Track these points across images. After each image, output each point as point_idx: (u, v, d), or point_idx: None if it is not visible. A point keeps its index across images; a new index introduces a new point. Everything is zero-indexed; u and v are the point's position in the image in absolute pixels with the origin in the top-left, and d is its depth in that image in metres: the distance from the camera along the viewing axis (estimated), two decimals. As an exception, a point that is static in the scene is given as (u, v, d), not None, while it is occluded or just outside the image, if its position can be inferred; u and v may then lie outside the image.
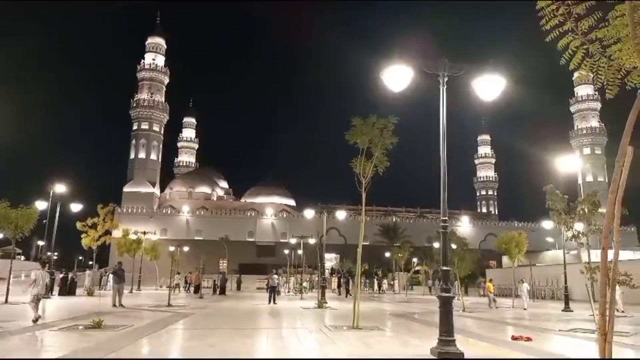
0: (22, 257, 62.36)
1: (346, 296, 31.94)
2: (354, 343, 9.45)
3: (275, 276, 23.85)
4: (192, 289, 36.09)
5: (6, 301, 18.93)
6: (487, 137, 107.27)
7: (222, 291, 31.41)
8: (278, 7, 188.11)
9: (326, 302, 21.32)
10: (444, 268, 8.28)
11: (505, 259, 47.74)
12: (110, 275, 36.88)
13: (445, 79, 8.89)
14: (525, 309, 22.78)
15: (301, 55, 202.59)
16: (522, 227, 61.38)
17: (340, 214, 27.09)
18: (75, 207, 24.64)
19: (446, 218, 8.51)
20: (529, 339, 10.37)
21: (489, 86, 8.68)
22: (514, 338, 10.59)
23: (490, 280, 25.86)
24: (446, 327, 7.95)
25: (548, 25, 4.27)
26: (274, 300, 22.60)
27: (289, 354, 8.46)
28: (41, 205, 23.76)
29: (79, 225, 27.08)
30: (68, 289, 26.39)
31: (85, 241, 27.35)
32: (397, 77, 8.57)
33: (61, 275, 26.39)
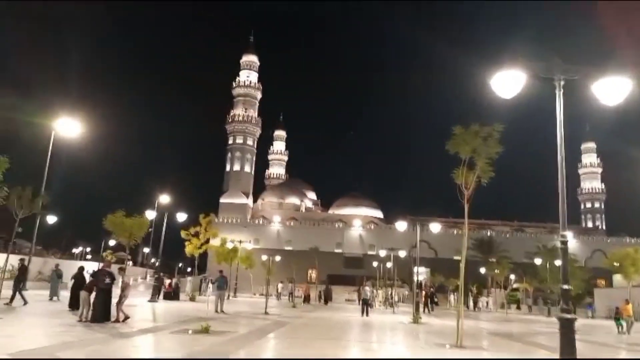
0: (131, 263, 67.89)
1: (429, 311, 30.61)
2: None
3: (368, 289, 23.62)
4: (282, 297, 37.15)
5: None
6: (592, 145, 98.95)
7: (326, 301, 33.15)
8: (370, 12, 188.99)
9: (421, 318, 20.73)
10: (565, 287, 7.63)
11: (616, 278, 43.57)
12: (210, 282, 38.90)
13: (562, 83, 8.27)
14: None
15: (391, 62, 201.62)
16: (635, 244, 55.79)
17: (434, 227, 26.29)
18: (181, 217, 26.34)
19: (565, 232, 7.90)
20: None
21: (613, 89, 7.97)
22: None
23: (628, 302, 21.28)
24: (568, 352, 7.32)
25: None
26: (367, 312, 22.38)
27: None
28: (150, 214, 25.62)
29: (183, 233, 28.82)
30: (173, 294, 28.04)
31: (188, 249, 29.00)
32: (508, 82, 8.13)
33: (168, 281, 28.13)
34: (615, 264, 27.56)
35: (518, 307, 47.75)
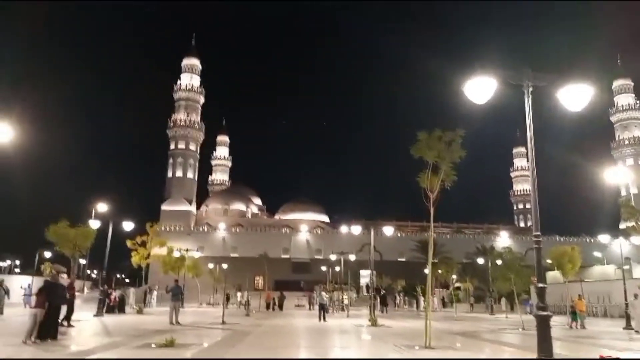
0: (66, 276, 64.02)
1: (385, 312, 31.29)
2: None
3: (324, 294, 23.61)
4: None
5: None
6: (522, 150, 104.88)
7: (280, 307, 33.82)
8: (320, 11, 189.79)
9: (376, 320, 20.92)
10: (540, 285, 7.95)
11: (550, 275, 46.21)
12: (154, 293, 37.42)
13: (530, 89, 8.67)
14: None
15: (343, 62, 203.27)
16: (564, 242, 59.56)
17: (387, 230, 26.70)
18: (127, 226, 25.07)
19: (539, 233, 8.20)
20: (619, 360, 9.85)
21: (576, 96, 8.45)
22: (602, 358, 10.07)
23: (580, 297, 22.09)
24: (545, 347, 7.61)
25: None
26: (324, 317, 22.35)
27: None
28: (94, 224, 24.24)
29: (129, 243, 27.53)
30: (118, 307, 26.69)
31: (135, 259, 27.75)
32: (480, 89, 8.41)
33: (115, 294, 26.70)
34: (549, 261, 29.26)
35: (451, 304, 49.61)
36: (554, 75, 8.59)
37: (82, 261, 67.51)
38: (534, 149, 8.53)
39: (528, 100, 8.64)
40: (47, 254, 46.73)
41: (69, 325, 15.17)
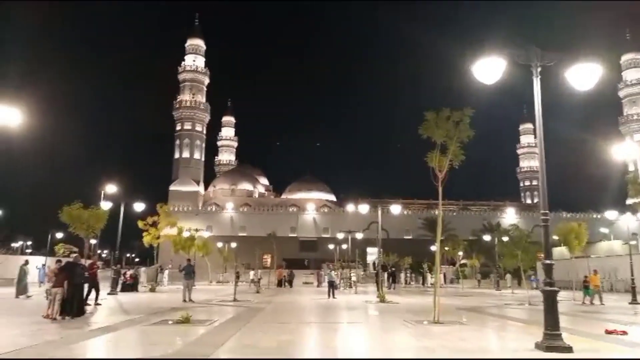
0: (76, 255, 65.05)
1: (391, 288, 31.88)
2: (449, 338, 9.43)
3: (334, 272, 24.03)
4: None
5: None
6: (529, 126, 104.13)
7: (290, 285, 34.68)
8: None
9: (385, 297, 21.33)
10: (547, 262, 8.16)
11: (557, 251, 46.54)
12: (166, 272, 38.11)
13: (539, 69, 8.73)
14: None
15: (350, 44, 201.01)
16: (570, 218, 59.63)
17: (395, 209, 26.96)
18: (138, 207, 25.45)
19: (547, 211, 8.38)
20: (624, 333, 10.13)
21: (584, 75, 8.50)
22: (608, 332, 10.36)
23: (595, 272, 21.38)
24: (551, 322, 7.84)
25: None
26: (333, 294, 22.79)
27: (395, 348, 8.56)
28: (106, 205, 24.61)
29: (140, 224, 27.96)
30: (132, 286, 27.29)
31: (146, 239, 28.22)
32: (489, 69, 8.48)
33: (129, 273, 27.29)
34: (556, 237, 29.43)
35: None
36: (562, 54, 8.62)
37: (93, 241, 68.72)
38: (542, 128, 8.63)
39: (537, 81, 8.69)
40: (59, 235, 47.51)
41: (97, 304, 15.65)
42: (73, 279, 11.67)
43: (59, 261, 14.41)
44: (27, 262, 21.60)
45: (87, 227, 20.36)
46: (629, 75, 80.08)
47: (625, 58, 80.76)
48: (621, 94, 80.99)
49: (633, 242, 39.82)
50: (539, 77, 8.71)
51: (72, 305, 11.69)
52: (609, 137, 69.77)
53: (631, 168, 70.96)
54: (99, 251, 74.54)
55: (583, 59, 8.40)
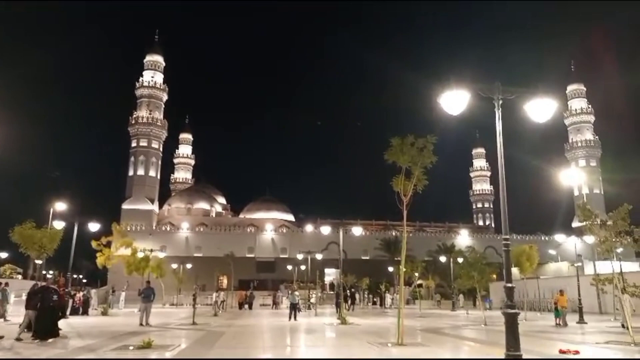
0: (20, 276, 61.62)
1: (349, 310, 32.01)
2: (415, 360, 9.62)
3: (297, 293, 23.92)
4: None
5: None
6: (482, 150, 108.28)
7: (250, 307, 34.49)
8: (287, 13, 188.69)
9: (345, 318, 21.38)
10: (508, 285, 8.54)
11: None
12: (123, 294, 36.74)
13: (500, 102, 9.28)
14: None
15: (313, 65, 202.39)
16: (521, 240, 62.01)
17: (356, 230, 27.29)
18: (94, 227, 24.56)
19: (508, 236, 8.80)
20: (577, 352, 10.63)
21: (542, 109, 9.13)
22: (561, 352, 10.84)
23: (562, 293, 21.46)
24: (513, 343, 8.17)
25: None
26: (295, 316, 22.64)
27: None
28: (59, 225, 23.66)
29: (94, 244, 26.97)
30: (82, 309, 26.17)
31: (100, 260, 27.22)
32: (454, 101, 8.96)
33: (80, 294, 26.14)
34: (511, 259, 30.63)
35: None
36: (522, 88, 9.24)
37: (38, 262, 65.36)
38: (502, 157, 9.12)
39: (498, 113, 9.25)
40: (3, 255, 45.03)
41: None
42: (45, 302, 12.06)
43: (35, 285, 14.66)
44: (6, 284, 20.49)
45: (39, 248, 19.55)
46: (574, 104, 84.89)
47: (571, 88, 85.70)
48: (567, 122, 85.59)
49: (579, 264, 41.78)
50: (500, 109, 9.27)
51: (45, 328, 11.85)
52: (557, 163, 73.59)
53: (576, 192, 74.97)
54: (43, 272, 71.03)
55: (541, 94, 9.04)
